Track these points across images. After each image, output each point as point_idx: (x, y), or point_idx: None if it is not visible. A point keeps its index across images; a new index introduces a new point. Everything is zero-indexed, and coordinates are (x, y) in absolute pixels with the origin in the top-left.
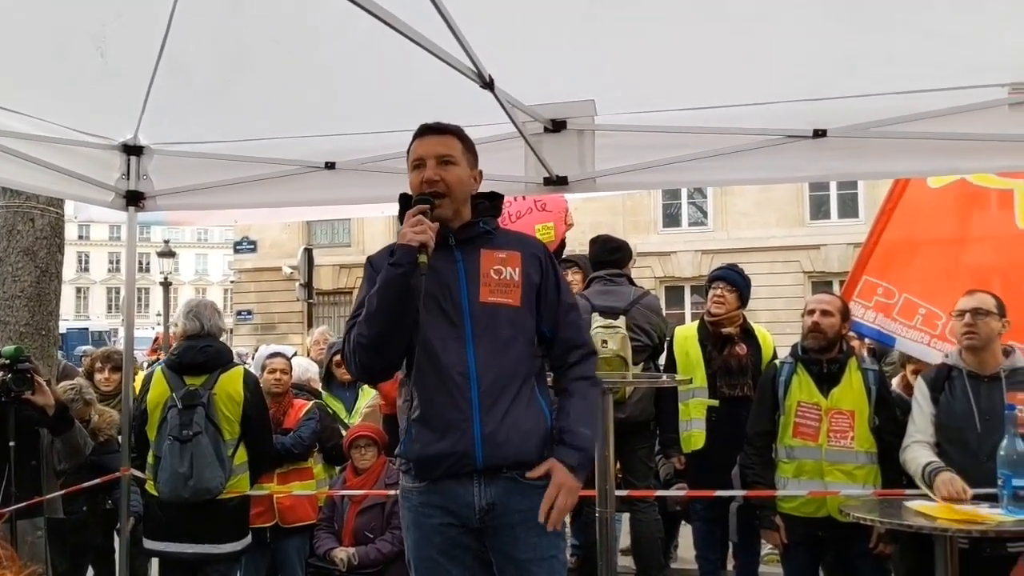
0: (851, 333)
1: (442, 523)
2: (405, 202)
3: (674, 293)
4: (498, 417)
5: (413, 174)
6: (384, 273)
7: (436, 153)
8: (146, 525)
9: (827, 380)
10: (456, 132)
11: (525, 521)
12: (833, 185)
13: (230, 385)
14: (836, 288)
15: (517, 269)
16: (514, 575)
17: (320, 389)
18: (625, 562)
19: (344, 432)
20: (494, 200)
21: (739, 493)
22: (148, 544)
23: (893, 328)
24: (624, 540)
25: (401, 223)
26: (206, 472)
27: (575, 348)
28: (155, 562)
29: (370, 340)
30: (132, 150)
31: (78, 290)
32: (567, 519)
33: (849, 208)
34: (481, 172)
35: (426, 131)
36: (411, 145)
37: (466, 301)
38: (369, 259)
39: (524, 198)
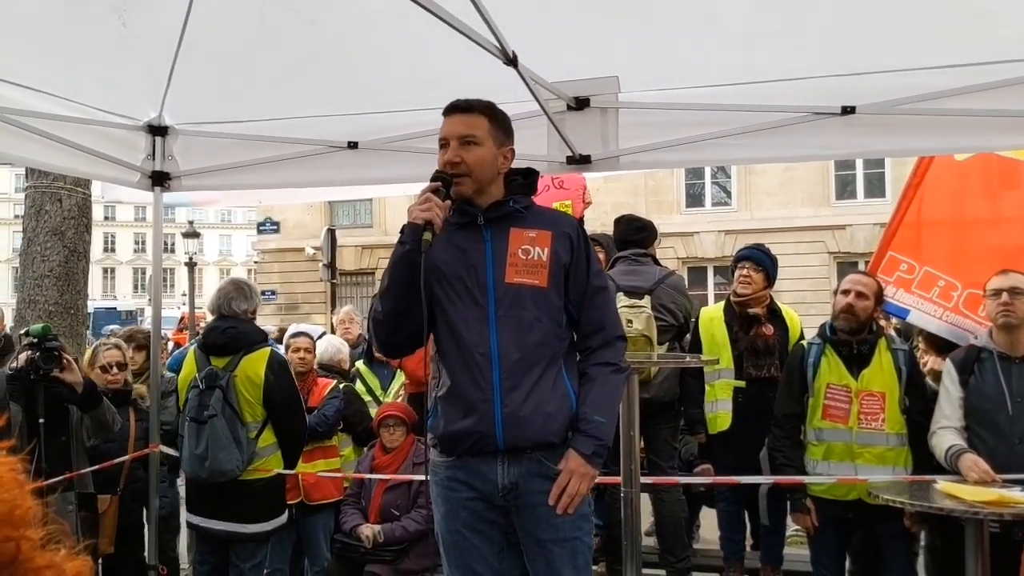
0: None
1: (468, 497)
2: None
3: (697, 274)
4: (520, 399)
5: (440, 154)
6: (393, 250)
7: (458, 133)
8: (186, 498)
9: (857, 361)
10: (483, 109)
11: (547, 503)
12: (859, 164)
13: (251, 368)
14: (862, 268)
15: (546, 249)
16: (536, 553)
17: (347, 369)
18: (648, 543)
19: (371, 416)
20: (529, 177)
21: (764, 480)
22: (187, 516)
23: (909, 301)
24: (647, 520)
25: None
26: (220, 454)
27: (598, 332)
28: (183, 538)
29: (384, 315)
30: (157, 130)
31: (105, 270)
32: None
33: (876, 188)
34: (512, 149)
35: (452, 109)
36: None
37: (491, 281)
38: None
39: (542, 176)
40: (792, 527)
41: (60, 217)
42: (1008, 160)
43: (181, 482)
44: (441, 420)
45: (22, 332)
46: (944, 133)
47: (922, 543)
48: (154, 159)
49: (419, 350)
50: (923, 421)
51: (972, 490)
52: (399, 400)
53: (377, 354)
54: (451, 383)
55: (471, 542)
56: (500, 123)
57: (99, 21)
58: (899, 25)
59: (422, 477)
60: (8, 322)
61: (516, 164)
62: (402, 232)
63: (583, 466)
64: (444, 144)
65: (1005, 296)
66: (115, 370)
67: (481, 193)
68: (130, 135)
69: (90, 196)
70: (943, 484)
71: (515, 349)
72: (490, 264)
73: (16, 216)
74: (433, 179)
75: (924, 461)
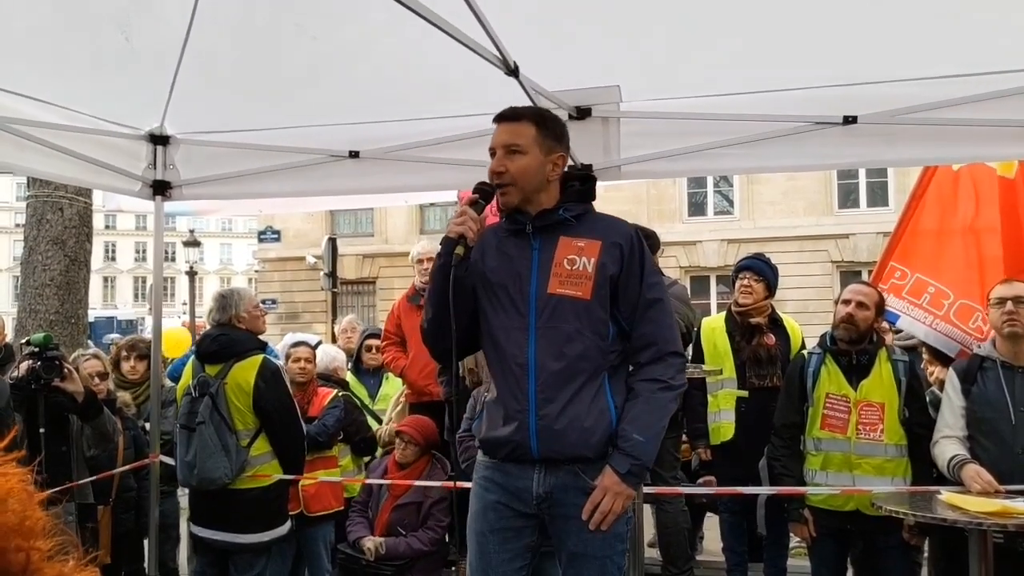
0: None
1: (498, 500)
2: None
3: (700, 283)
4: (555, 411)
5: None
6: (434, 261)
7: (504, 142)
8: (189, 508)
9: (856, 372)
10: (532, 117)
11: (580, 516)
12: (862, 173)
13: (240, 375)
14: (865, 278)
15: (593, 259)
16: (566, 564)
17: (345, 379)
18: (651, 554)
19: (370, 425)
20: (587, 182)
21: (767, 491)
22: (190, 526)
23: (898, 306)
24: (649, 532)
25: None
26: (208, 462)
27: (648, 347)
28: (183, 548)
29: (428, 324)
30: (158, 139)
31: (105, 279)
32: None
33: (879, 196)
34: (564, 156)
35: (499, 119)
36: None
37: (534, 291)
38: None
39: None
40: (795, 539)
41: (61, 226)
42: (992, 173)
43: (183, 492)
44: (485, 424)
45: (23, 341)
46: (945, 143)
47: (925, 555)
48: (155, 168)
49: (423, 360)
50: (923, 432)
51: (975, 501)
52: (399, 408)
53: (368, 361)
54: (495, 390)
55: (490, 546)
56: (550, 130)
57: (102, 32)
58: (900, 35)
59: (433, 483)
60: (9, 331)
61: None
62: (442, 243)
63: (618, 484)
64: (493, 153)
65: (1010, 305)
66: (96, 380)
67: (529, 201)
68: (131, 144)
69: (91, 205)
70: (946, 495)
71: (553, 361)
72: (535, 273)
73: (17, 225)
74: (474, 191)
75: (924, 473)
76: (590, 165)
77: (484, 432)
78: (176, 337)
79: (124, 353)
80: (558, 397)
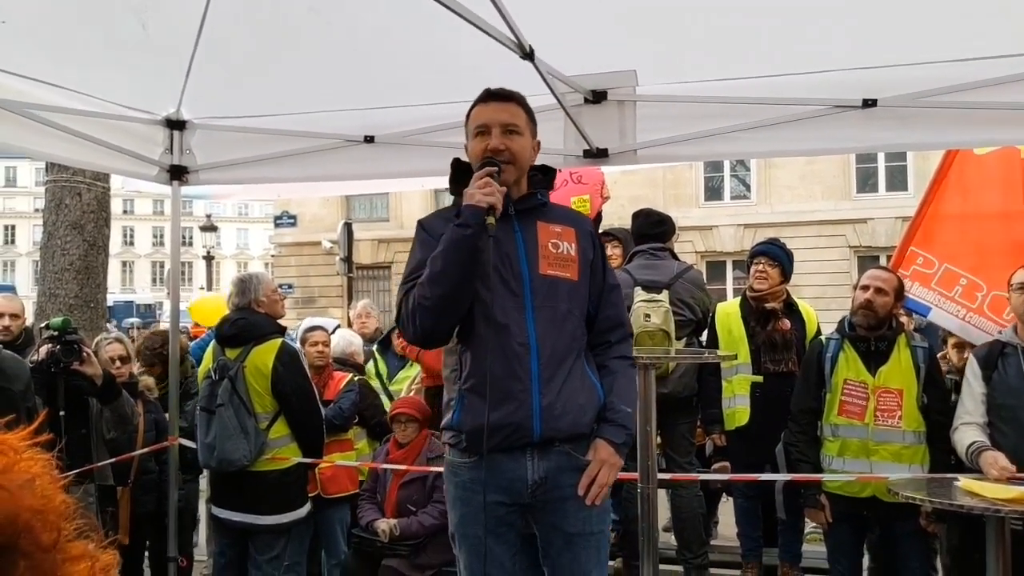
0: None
1: (491, 501)
2: (457, 168)
3: (716, 268)
4: (555, 389)
5: (475, 140)
6: (450, 233)
7: (501, 121)
8: (209, 490)
9: (875, 358)
10: (520, 100)
11: (576, 495)
12: (881, 157)
13: (259, 358)
14: (883, 262)
15: (573, 244)
16: (562, 547)
17: (361, 363)
18: (666, 538)
19: (385, 409)
20: (547, 173)
21: (783, 477)
22: (211, 508)
23: (929, 298)
24: (664, 516)
25: (452, 190)
26: (227, 444)
27: (617, 327)
28: (202, 529)
29: (433, 302)
30: (175, 124)
31: (123, 263)
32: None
33: (898, 181)
34: (539, 143)
35: (490, 97)
36: (472, 110)
37: (526, 272)
38: (420, 223)
39: (560, 170)
40: (810, 524)
41: (80, 211)
42: (1017, 155)
43: (202, 474)
44: (468, 414)
45: (42, 325)
46: (966, 126)
47: (942, 544)
48: (172, 153)
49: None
50: (942, 420)
51: (993, 487)
52: (413, 393)
53: (395, 347)
54: (483, 374)
55: (490, 547)
56: (532, 116)
57: (118, 18)
58: (920, 17)
59: (437, 469)
60: (29, 315)
61: None
62: (458, 216)
63: (612, 455)
64: (482, 131)
65: None
66: (118, 364)
67: (516, 184)
68: (148, 129)
69: (109, 190)
70: (964, 481)
71: (551, 341)
72: (523, 255)
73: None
74: (485, 164)
75: (942, 460)
76: (605, 149)
77: (470, 422)
78: (211, 306)
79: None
80: (556, 376)
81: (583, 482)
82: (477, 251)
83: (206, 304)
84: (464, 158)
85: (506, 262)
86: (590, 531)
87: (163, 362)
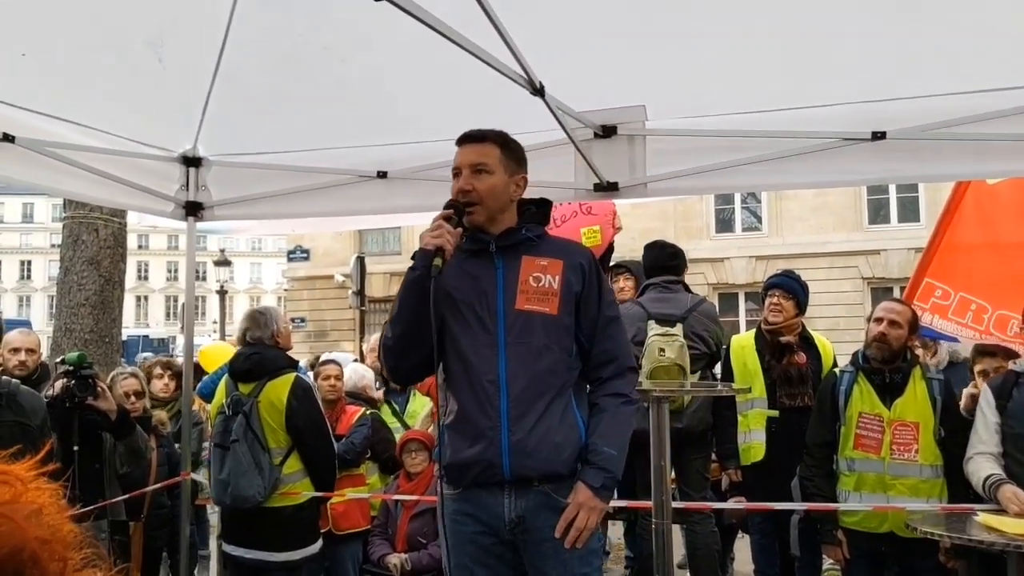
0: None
1: (474, 531)
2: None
3: (728, 300)
4: (527, 427)
5: (453, 183)
6: (405, 275)
7: (470, 162)
8: (220, 526)
9: (890, 390)
10: (495, 139)
11: (555, 538)
12: (893, 188)
13: (274, 393)
14: (896, 294)
15: (557, 277)
16: None
17: (374, 397)
18: (680, 575)
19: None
20: (542, 207)
21: (799, 506)
22: (222, 545)
23: (950, 329)
24: (679, 553)
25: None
26: (242, 480)
27: (609, 362)
28: (212, 566)
29: (394, 341)
30: (191, 161)
31: (138, 298)
32: (618, 534)
33: (910, 212)
34: (525, 178)
35: (464, 140)
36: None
37: (501, 308)
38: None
39: (569, 203)
40: (828, 561)
41: (96, 247)
42: None
43: (212, 510)
44: (448, 448)
45: (58, 360)
46: (976, 157)
47: None
48: (188, 190)
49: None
50: (959, 452)
51: (1013, 522)
52: (427, 422)
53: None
54: (459, 410)
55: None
56: (512, 152)
57: (136, 55)
58: (928, 50)
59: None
60: (44, 350)
61: (545, 190)
62: (413, 258)
63: (591, 499)
64: (457, 173)
65: None
66: (133, 399)
67: (493, 221)
68: (165, 166)
69: (125, 226)
70: (983, 516)
71: (524, 377)
72: (500, 291)
73: (53, 245)
74: (446, 207)
75: (960, 493)
76: (616, 183)
77: (449, 457)
78: (220, 353)
79: (158, 371)
80: (529, 413)
81: (560, 525)
82: (427, 292)
83: (215, 352)
84: None
85: (482, 300)
86: (572, 574)
87: None
